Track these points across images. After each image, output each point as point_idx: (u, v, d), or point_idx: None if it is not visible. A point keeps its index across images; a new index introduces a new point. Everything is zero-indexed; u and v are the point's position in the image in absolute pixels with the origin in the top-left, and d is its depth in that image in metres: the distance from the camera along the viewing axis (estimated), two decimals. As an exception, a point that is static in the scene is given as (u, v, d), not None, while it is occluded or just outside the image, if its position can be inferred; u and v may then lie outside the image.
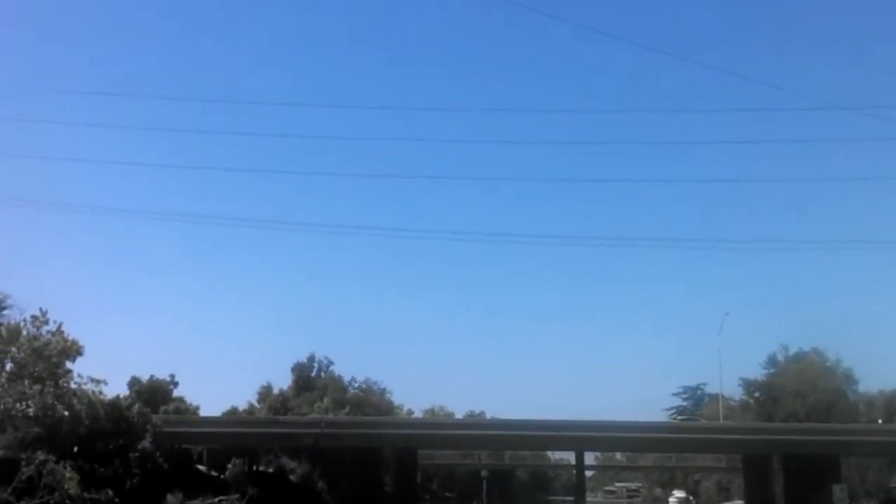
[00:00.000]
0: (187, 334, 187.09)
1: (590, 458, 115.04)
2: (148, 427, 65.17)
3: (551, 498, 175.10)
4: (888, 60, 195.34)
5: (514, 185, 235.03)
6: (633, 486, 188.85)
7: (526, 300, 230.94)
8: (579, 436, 79.00)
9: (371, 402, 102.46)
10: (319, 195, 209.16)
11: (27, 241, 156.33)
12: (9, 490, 47.28)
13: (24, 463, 50.83)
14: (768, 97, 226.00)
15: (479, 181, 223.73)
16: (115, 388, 73.96)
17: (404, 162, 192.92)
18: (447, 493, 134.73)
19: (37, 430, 55.43)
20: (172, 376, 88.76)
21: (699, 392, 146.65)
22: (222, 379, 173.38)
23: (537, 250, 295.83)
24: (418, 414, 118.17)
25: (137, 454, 62.60)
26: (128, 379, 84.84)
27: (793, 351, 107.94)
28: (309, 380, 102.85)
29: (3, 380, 55.69)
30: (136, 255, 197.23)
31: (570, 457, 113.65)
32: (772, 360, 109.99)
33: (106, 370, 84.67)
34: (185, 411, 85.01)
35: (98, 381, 61.74)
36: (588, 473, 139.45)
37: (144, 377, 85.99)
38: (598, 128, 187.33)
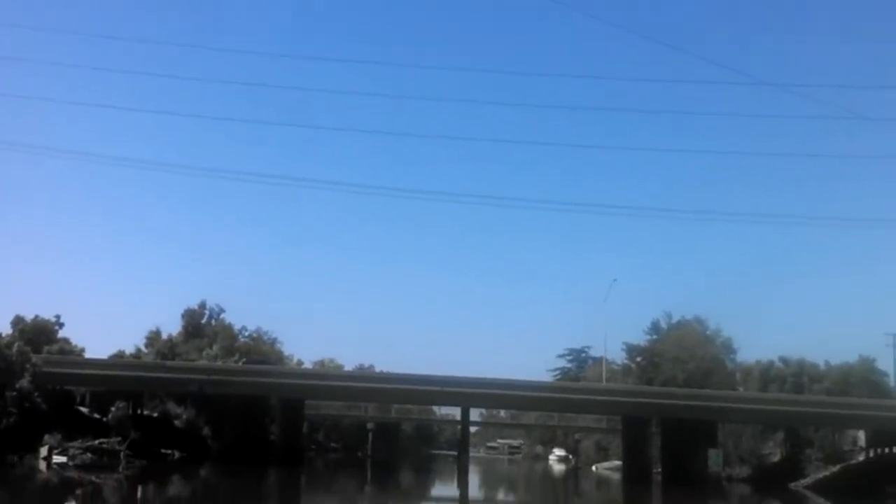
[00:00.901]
0: (77, 276, 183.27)
1: (475, 414, 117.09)
2: (27, 366, 63.93)
3: (435, 452, 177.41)
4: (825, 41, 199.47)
5: (406, 140, 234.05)
6: (514, 443, 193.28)
7: (419, 256, 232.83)
8: (465, 392, 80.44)
9: (261, 351, 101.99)
10: (219, 140, 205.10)
11: None
12: None
13: None
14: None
15: (373, 134, 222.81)
16: (-3, 326, 72.48)
17: (304, 111, 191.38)
18: (332, 444, 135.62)
19: None
20: (58, 317, 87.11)
21: (584, 355, 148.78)
22: (111, 322, 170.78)
23: (430, 206, 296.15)
24: (308, 365, 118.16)
25: (15, 393, 61.40)
26: (11, 318, 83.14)
27: (675, 318, 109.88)
28: (199, 326, 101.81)
29: None
30: (27, 193, 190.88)
31: (455, 412, 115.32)
32: (654, 327, 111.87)
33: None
34: (70, 352, 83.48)
35: (-26, 318, 60.43)
36: (472, 429, 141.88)
37: (29, 316, 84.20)
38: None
